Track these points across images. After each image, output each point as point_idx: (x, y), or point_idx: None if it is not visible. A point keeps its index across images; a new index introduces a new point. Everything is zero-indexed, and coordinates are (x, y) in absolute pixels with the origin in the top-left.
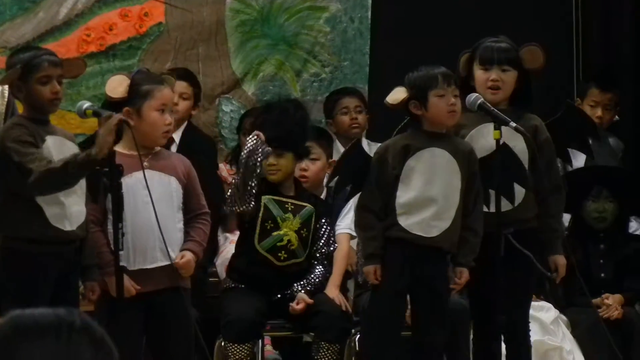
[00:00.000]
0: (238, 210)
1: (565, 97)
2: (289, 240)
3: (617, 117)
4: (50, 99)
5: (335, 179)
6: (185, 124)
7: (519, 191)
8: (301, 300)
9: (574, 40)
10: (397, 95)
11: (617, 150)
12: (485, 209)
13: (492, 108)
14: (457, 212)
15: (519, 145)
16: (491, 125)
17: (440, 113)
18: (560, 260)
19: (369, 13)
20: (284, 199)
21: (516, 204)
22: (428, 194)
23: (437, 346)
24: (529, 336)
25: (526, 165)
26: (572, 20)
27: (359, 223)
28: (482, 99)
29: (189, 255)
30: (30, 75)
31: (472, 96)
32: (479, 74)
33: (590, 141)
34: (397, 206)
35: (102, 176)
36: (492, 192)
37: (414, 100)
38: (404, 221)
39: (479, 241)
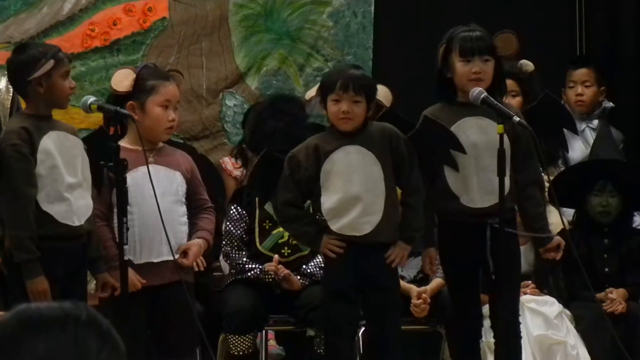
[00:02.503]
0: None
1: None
2: (289, 236)
3: (611, 103)
4: (69, 93)
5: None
6: None
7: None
8: (269, 265)
9: (577, 30)
10: (311, 92)
11: (617, 142)
12: (471, 205)
13: (496, 102)
14: (387, 201)
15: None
16: (472, 120)
17: (333, 118)
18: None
19: (372, 7)
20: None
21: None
22: (350, 193)
23: (391, 340)
24: (520, 331)
25: (509, 158)
26: (575, 9)
27: (284, 218)
28: (485, 93)
29: (194, 249)
30: (55, 70)
31: (476, 90)
32: (459, 65)
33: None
34: (325, 212)
35: (107, 170)
36: (475, 185)
37: (321, 101)
38: (335, 225)
39: (416, 214)
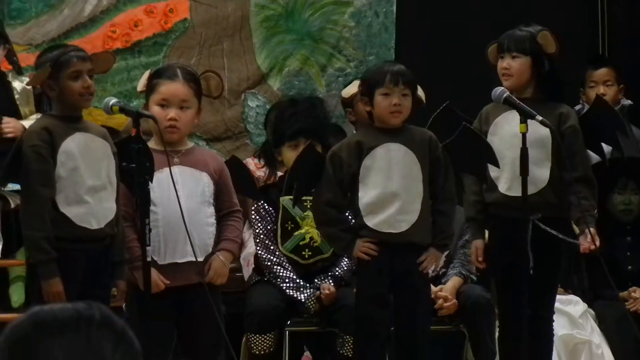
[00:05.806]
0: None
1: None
2: (311, 238)
3: (629, 100)
4: (82, 93)
5: (294, 186)
6: None
7: (542, 175)
8: (325, 288)
9: (600, 27)
10: (351, 89)
11: (637, 139)
12: (509, 193)
13: (518, 101)
14: (424, 203)
15: (543, 131)
16: (517, 113)
17: (383, 112)
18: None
19: (394, 7)
20: (302, 197)
21: (539, 188)
22: (389, 189)
23: (420, 340)
24: (553, 330)
25: (550, 153)
26: (597, 6)
27: (323, 219)
28: (507, 93)
29: (215, 264)
30: (61, 72)
31: (498, 90)
32: (498, 62)
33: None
34: (362, 207)
35: (133, 172)
36: (509, 176)
37: (363, 96)
38: (371, 221)
39: (448, 221)
